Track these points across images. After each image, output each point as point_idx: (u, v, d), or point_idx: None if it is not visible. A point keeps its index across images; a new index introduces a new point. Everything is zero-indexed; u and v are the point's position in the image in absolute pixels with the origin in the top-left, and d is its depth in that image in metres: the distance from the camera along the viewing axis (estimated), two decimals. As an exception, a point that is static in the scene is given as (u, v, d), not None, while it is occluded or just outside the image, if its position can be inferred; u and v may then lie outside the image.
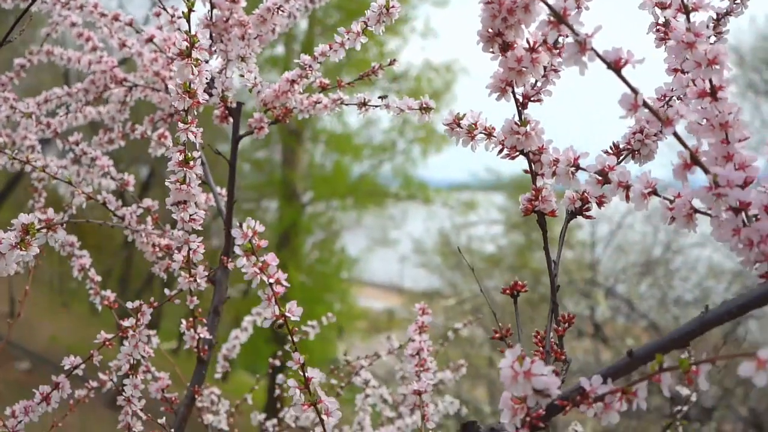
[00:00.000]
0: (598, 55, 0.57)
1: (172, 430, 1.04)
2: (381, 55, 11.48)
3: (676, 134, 0.58)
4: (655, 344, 0.57)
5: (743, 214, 0.58)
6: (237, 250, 0.69)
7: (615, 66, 0.57)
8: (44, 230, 0.71)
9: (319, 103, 1.08)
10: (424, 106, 0.94)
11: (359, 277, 12.25)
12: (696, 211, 0.62)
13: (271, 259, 0.71)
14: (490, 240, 11.05)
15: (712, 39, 0.81)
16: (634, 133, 0.78)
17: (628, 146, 0.79)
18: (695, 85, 0.63)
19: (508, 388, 0.58)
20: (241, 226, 0.69)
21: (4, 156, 1.11)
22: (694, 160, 0.59)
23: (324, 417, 0.73)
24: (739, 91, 9.60)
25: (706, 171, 0.58)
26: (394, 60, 1.12)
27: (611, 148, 0.79)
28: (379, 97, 1.04)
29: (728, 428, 6.03)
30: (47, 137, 1.37)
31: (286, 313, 0.72)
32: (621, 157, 0.79)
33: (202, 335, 1.07)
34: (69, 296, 11.17)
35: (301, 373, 0.73)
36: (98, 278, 1.19)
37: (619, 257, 7.43)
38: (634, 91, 0.57)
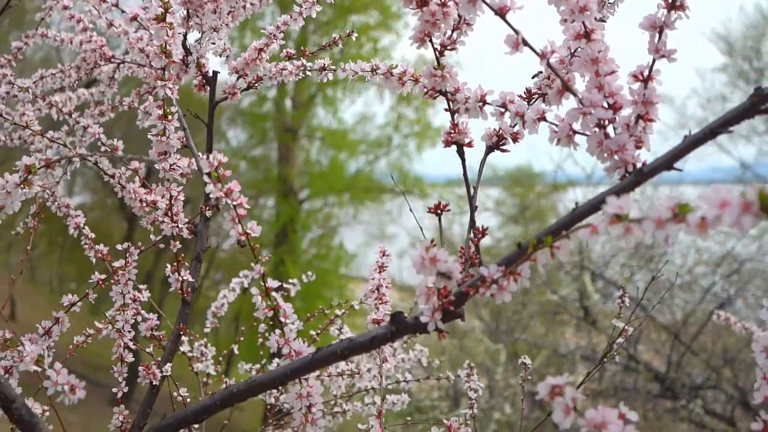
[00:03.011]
0: (486, 3, 0.71)
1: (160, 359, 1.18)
2: (375, 51, 11.63)
3: (549, 65, 0.71)
4: (536, 235, 0.71)
5: (606, 129, 0.72)
6: (205, 177, 0.83)
7: (500, 12, 0.71)
8: (43, 169, 0.84)
9: (285, 69, 1.22)
10: (374, 68, 1.08)
11: (357, 273, 12.34)
12: (575, 132, 0.76)
13: (235, 185, 0.84)
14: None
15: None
16: (544, 79, 0.92)
17: (539, 90, 0.92)
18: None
19: (417, 271, 0.71)
20: (208, 158, 0.82)
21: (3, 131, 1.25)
22: (565, 87, 0.72)
23: (282, 319, 0.87)
24: (730, 80, 9.66)
25: (575, 95, 0.72)
26: (353, 31, 1.26)
27: (524, 92, 0.93)
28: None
29: (718, 408, 6.17)
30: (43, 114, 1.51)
31: (248, 230, 0.85)
32: (533, 99, 0.92)
33: (185, 278, 1.20)
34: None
35: (262, 283, 0.87)
36: (92, 235, 1.32)
37: (610, 242, 7.56)
38: (516, 32, 0.71)
